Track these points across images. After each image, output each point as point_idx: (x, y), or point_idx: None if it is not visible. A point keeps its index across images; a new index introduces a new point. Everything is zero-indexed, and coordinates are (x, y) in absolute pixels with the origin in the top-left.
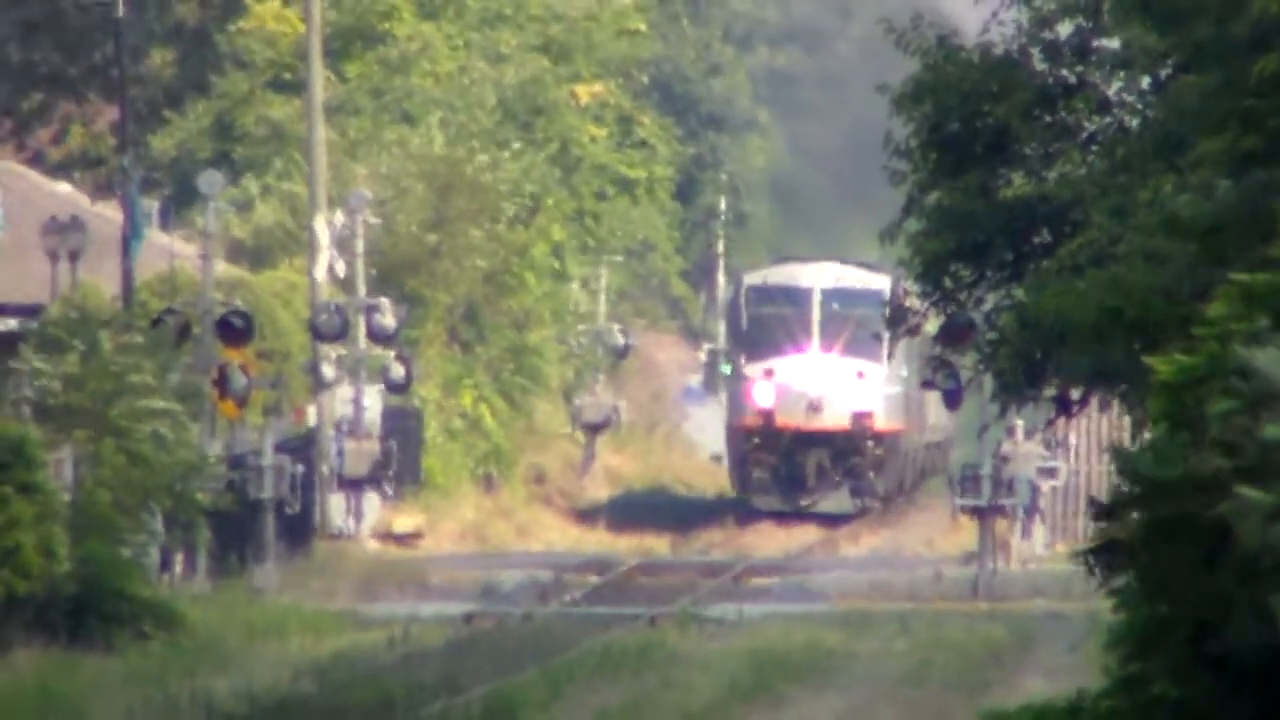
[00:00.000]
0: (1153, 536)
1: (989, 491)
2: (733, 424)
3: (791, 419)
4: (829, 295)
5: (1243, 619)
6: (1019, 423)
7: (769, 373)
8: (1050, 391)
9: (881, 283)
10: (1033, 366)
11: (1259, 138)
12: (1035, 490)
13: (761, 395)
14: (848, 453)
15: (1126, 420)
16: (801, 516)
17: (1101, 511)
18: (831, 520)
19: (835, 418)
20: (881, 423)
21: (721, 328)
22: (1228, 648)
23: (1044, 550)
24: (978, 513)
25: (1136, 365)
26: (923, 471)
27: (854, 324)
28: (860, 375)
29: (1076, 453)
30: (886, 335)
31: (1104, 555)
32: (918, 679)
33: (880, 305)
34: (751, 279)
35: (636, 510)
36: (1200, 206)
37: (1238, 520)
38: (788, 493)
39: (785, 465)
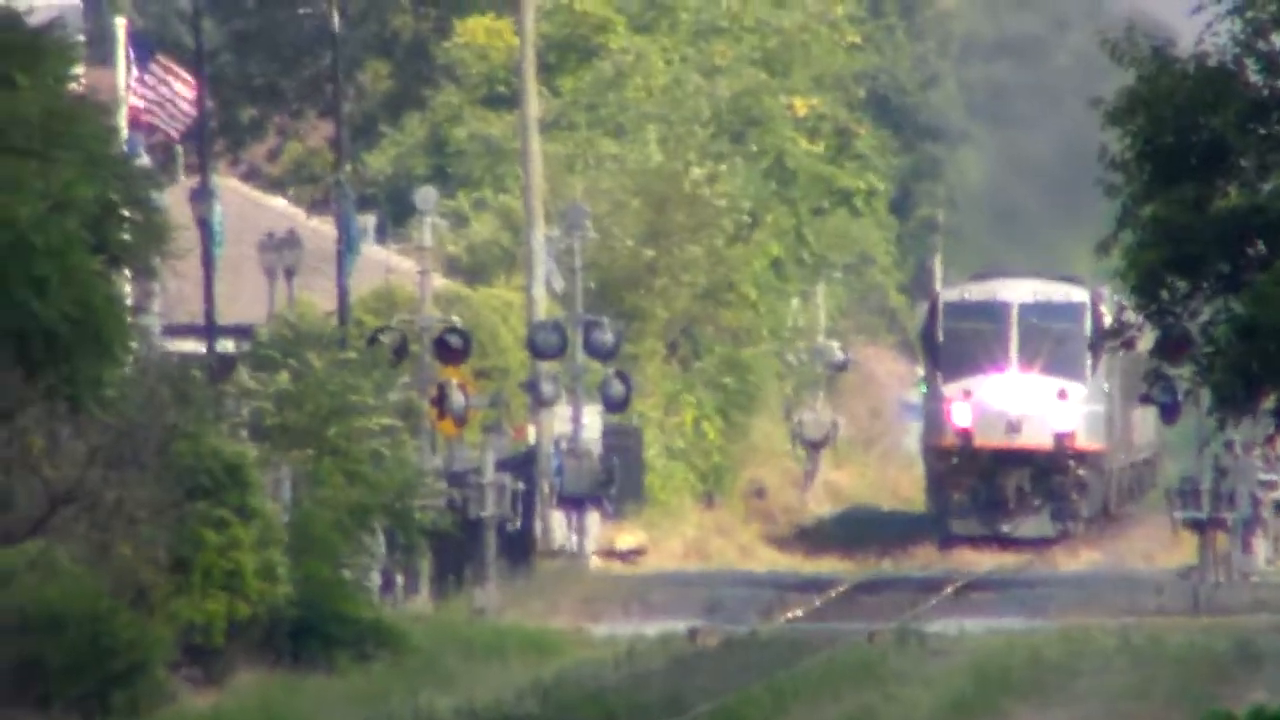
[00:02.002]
0: None
1: (1209, 505)
2: (929, 445)
3: (990, 440)
4: (1027, 310)
5: None
6: (1238, 436)
7: (967, 392)
8: (1269, 404)
9: (1081, 296)
10: (1251, 379)
11: None
12: (1256, 503)
13: (959, 415)
14: (1049, 474)
15: None
16: (1001, 540)
17: None
18: (1033, 544)
19: (1036, 437)
20: (1084, 442)
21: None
22: None
23: (1266, 564)
24: (1197, 526)
25: None
26: (1129, 491)
27: (1054, 340)
28: (1061, 394)
29: None
30: (1089, 350)
31: None
32: (1140, 694)
33: (1081, 320)
34: (948, 295)
35: (853, 527)
36: None
37: None
38: (987, 516)
39: (984, 487)
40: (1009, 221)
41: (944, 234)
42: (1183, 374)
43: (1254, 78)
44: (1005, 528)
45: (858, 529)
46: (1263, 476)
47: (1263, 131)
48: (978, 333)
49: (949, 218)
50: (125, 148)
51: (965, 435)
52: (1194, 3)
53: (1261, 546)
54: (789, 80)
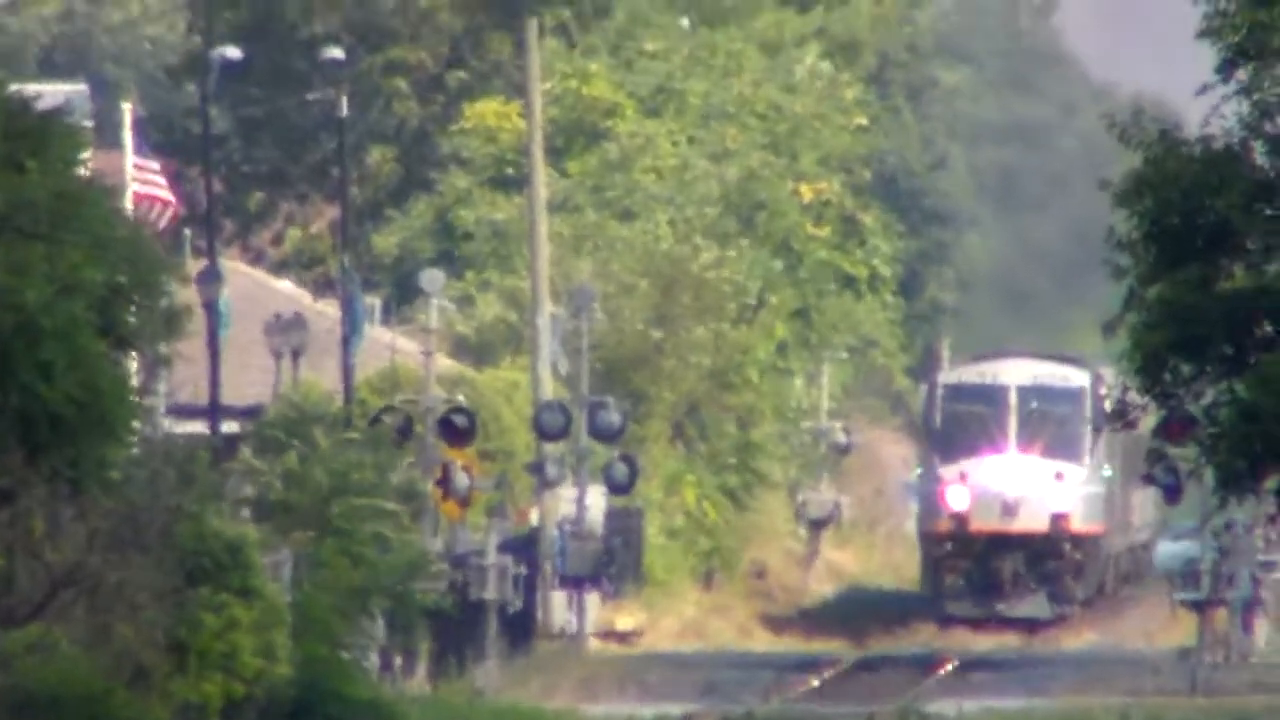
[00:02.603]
0: None
1: (1208, 585)
2: (925, 529)
3: (986, 523)
4: (1026, 393)
5: None
6: (1238, 516)
7: (963, 475)
8: (1272, 484)
9: (1081, 378)
10: (1254, 460)
11: None
12: (1256, 584)
13: (955, 498)
14: (1045, 557)
15: None
16: (996, 622)
17: None
18: (1028, 625)
19: (1032, 520)
20: (1080, 524)
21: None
22: None
23: (1265, 645)
24: (1196, 606)
25: None
26: (1126, 575)
27: (1053, 422)
28: (1059, 476)
29: None
30: (1088, 432)
31: None
32: None
33: (1080, 402)
34: (946, 377)
35: (852, 606)
36: None
37: None
38: (982, 599)
39: (979, 570)
40: (1017, 304)
41: (951, 316)
42: (1185, 455)
43: (1260, 159)
44: (1001, 609)
45: (857, 609)
46: (1263, 557)
47: (1269, 213)
48: (975, 415)
49: (957, 300)
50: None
51: (961, 519)
52: (1200, 86)
53: (1261, 627)
54: (796, 164)
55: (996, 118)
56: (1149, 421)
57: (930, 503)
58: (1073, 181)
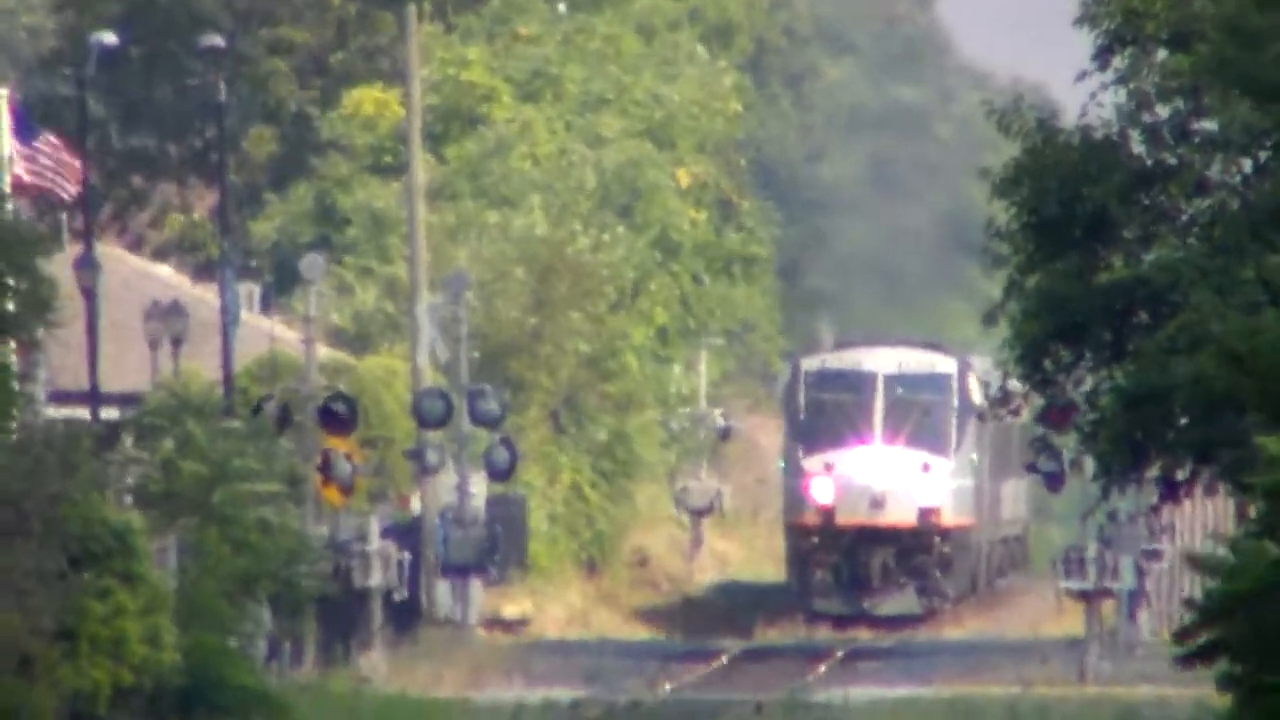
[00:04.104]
0: (1257, 634)
1: (1094, 575)
2: (790, 522)
3: (853, 516)
4: (892, 381)
5: None
6: (1122, 506)
7: (829, 466)
8: (1154, 473)
9: (949, 366)
10: (1135, 447)
11: None
12: (1141, 573)
13: (821, 491)
14: (914, 551)
15: (1230, 503)
16: (864, 619)
17: (1199, 620)
18: (896, 623)
19: (900, 514)
20: (950, 518)
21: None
22: None
23: (1150, 634)
24: (1083, 596)
25: (1248, 435)
26: (999, 568)
27: (920, 412)
28: (926, 468)
29: (1181, 535)
30: (956, 422)
31: (1204, 652)
32: None
33: (948, 391)
34: (809, 364)
35: (733, 597)
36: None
37: None
38: (850, 595)
39: (847, 565)
40: (893, 290)
41: (830, 302)
42: (1067, 443)
43: (1137, 149)
44: (868, 605)
45: (734, 600)
46: (1147, 547)
47: (1146, 202)
48: (840, 404)
49: (835, 286)
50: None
51: (827, 512)
52: (1078, 74)
53: (1146, 617)
54: (675, 152)
55: (874, 104)
56: (1023, 415)
57: (795, 495)
58: (949, 169)
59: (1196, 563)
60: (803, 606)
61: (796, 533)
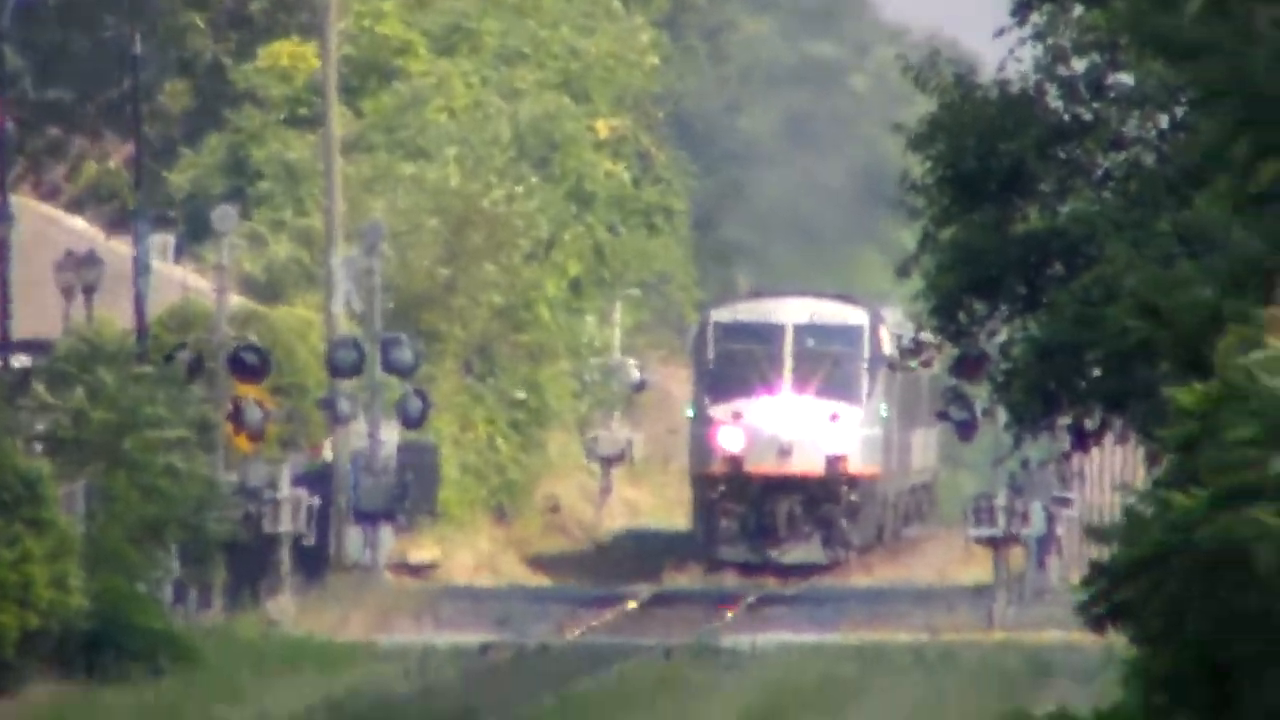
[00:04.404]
0: (1159, 595)
1: (1004, 522)
2: (696, 470)
3: (761, 465)
4: (802, 331)
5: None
6: (1034, 454)
7: (737, 415)
8: (1065, 421)
9: (859, 317)
10: (1047, 397)
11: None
12: (1051, 521)
13: (728, 440)
14: (821, 500)
15: (1141, 451)
16: (770, 569)
17: (1105, 586)
18: (801, 571)
19: (807, 463)
20: (857, 467)
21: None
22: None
23: (1059, 581)
24: (992, 543)
25: (1159, 386)
26: (905, 517)
27: (830, 362)
28: (834, 417)
29: (1091, 483)
30: (866, 373)
31: (1111, 615)
32: (932, 710)
33: (858, 342)
34: (719, 314)
35: (641, 543)
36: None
37: (1254, 544)
38: (756, 544)
39: (754, 514)
40: (810, 242)
41: (747, 255)
42: (979, 392)
43: (1054, 103)
44: (774, 554)
45: (642, 547)
46: (1057, 494)
47: (1062, 155)
48: (749, 354)
49: (752, 238)
50: None
51: (735, 461)
52: (996, 28)
53: (1055, 564)
54: (591, 105)
55: (790, 59)
56: (934, 366)
57: (702, 444)
58: (865, 123)
59: (1094, 532)
60: (709, 555)
61: (703, 481)
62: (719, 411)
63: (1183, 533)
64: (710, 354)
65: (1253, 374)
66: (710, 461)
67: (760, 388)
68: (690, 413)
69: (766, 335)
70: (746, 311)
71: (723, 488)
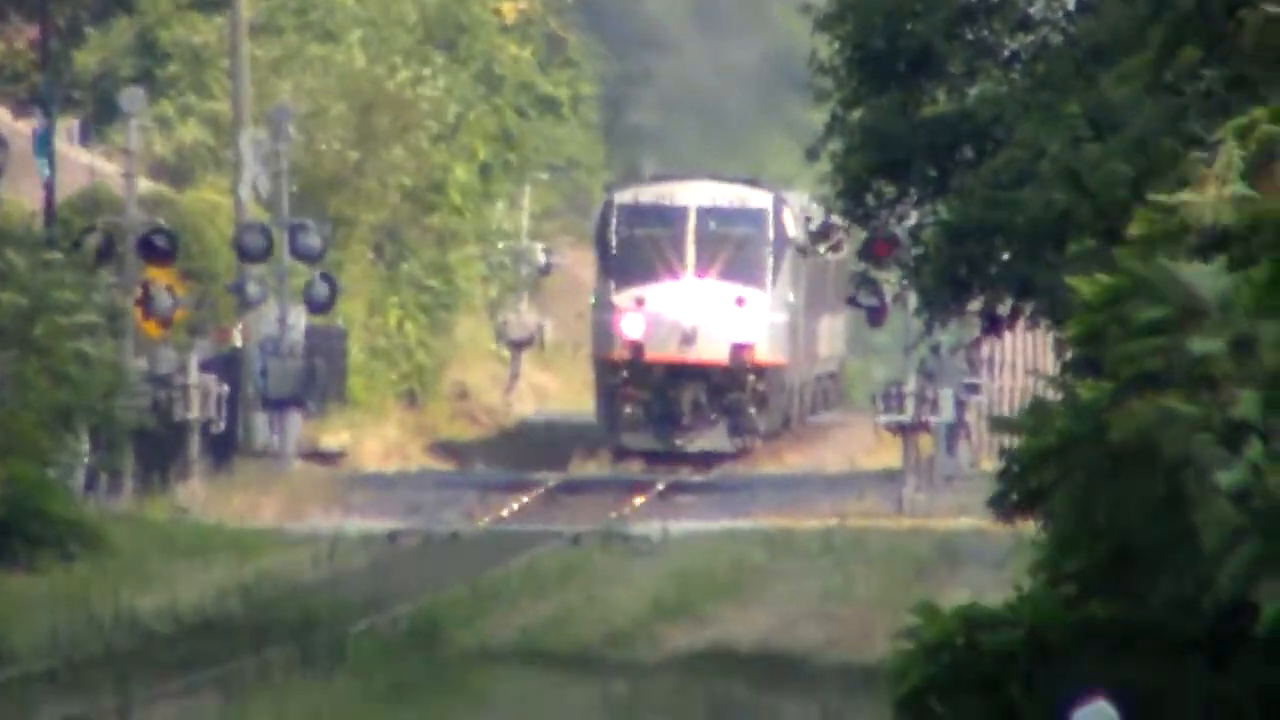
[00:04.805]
0: (1073, 476)
1: (913, 409)
2: (599, 357)
3: (664, 352)
4: (705, 214)
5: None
6: (944, 340)
7: (640, 301)
8: (975, 307)
9: (763, 200)
10: (958, 283)
11: (1194, 50)
12: (960, 407)
13: (631, 326)
14: (726, 388)
15: (1049, 336)
16: (675, 457)
17: (1012, 478)
18: (707, 460)
19: (712, 350)
20: (764, 355)
21: None
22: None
23: (969, 467)
24: (901, 430)
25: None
26: (812, 405)
27: (734, 246)
28: (740, 302)
29: (1001, 369)
30: (771, 257)
31: (1020, 506)
32: (841, 596)
33: (763, 225)
34: (621, 197)
35: (549, 431)
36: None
37: (1162, 431)
38: (661, 431)
39: (658, 402)
40: (718, 127)
41: (655, 139)
42: (889, 278)
43: None
44: (679, 442)
45: (553, 434)
46: (967, 380)
47: (970, 37)
48: (652, 238)
49: (660, 122)
50: None
51: (637, 347)
52: None
53: (965, 450)
54: None
55: None
56: (843, 250)
57: (604, 330)
58: (772, 5)
59: (1001, 423)
60: (613, 443)
61: (606, 368)
62: (621, 298)
63: (1089, 422)
64: (613, 238)
65: (1161, 263)
66: (613, 348)
67: (663, 272)
68: (593, 299)
69: (669, 218)
70: (649, 194)
71: (625, 374)
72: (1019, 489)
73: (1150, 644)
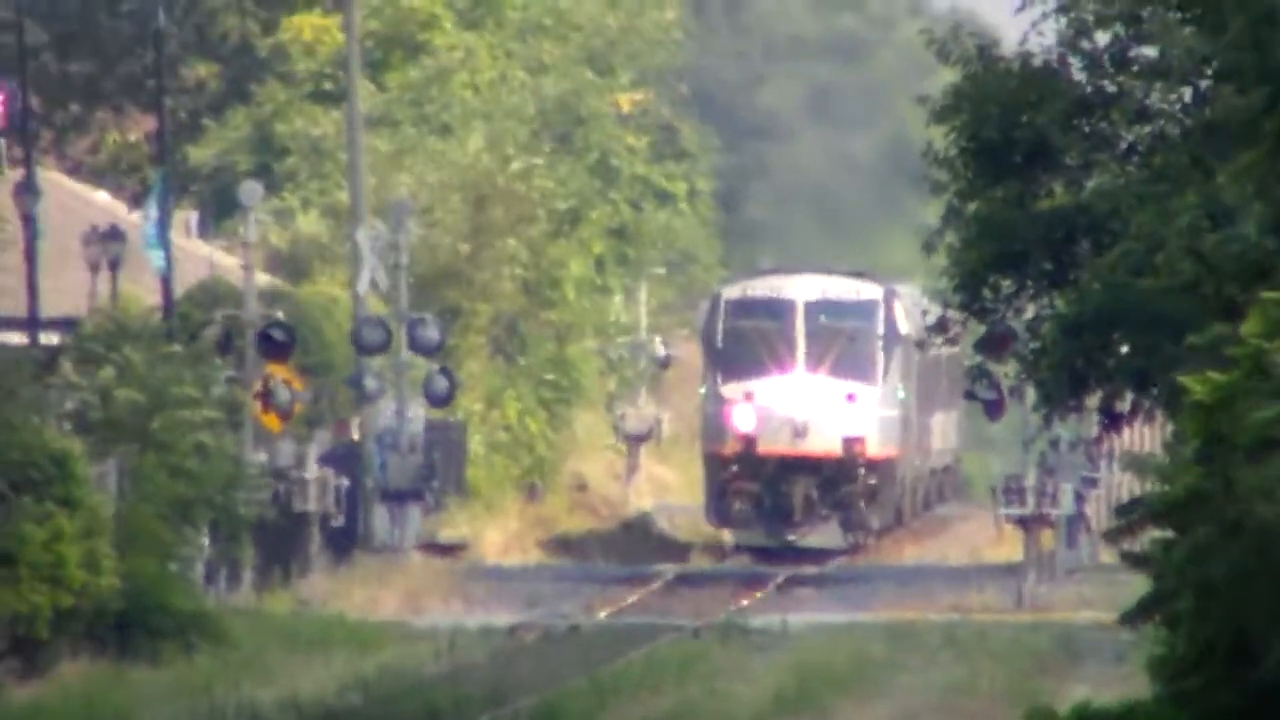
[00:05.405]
0: (1193, 555)
1: (1033, 502)
2: (709, 451)
3: (775, 445)
4: (814, 308)
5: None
6: (1063, 433)
7: (749, 395)
8: (1094, 402)
9: (874, 293)
10: (1075, 376)
11: None
12: (1080, 500)
13: (742, 419)
14: (838, 482)
15: (1168, 429)
16: (786, 553)
17: (1144, 512)
18: (819, 556)
19: (823, 444)
20: (875, 449)
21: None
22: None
23: (1089, 560)
24: (1022, 523)
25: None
26: (926, 500)
27: (844, 340)
28: (851, 397)
29: (1119, 462)
30: (882, 351)
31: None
32: (963, 690)
33: (873, 318)
34: (729, 292)
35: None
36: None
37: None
38: (771, 526)
39: (769, 495)
40: (834, 220)
41: (771, 232)
42: (1006, 371)
43: (1077, 76)
44: (791, 538)
45: (671, 524)
46: (1086, 474)
47: (1086, 129)
48: (760, 331)
49: (775, 216)
50: None
51: (748, 441)
52: (1018, 2)
53: (1085, 543)
54: (614, 78)
55: (814, 32)
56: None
57: (714, 425)
58: (889, 97)
59: (1135, 463)
60: (721, 537)
61: (716, 462)
62: (730, 391)
63: (1218, 480)
64: (720, 331)
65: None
66: (723, 441)
67: (772, 366)
68: (702, 392)
69: (777, 312)
70: (757, 288)
71: (735, 468)
72: (1140, 529)
73: None
